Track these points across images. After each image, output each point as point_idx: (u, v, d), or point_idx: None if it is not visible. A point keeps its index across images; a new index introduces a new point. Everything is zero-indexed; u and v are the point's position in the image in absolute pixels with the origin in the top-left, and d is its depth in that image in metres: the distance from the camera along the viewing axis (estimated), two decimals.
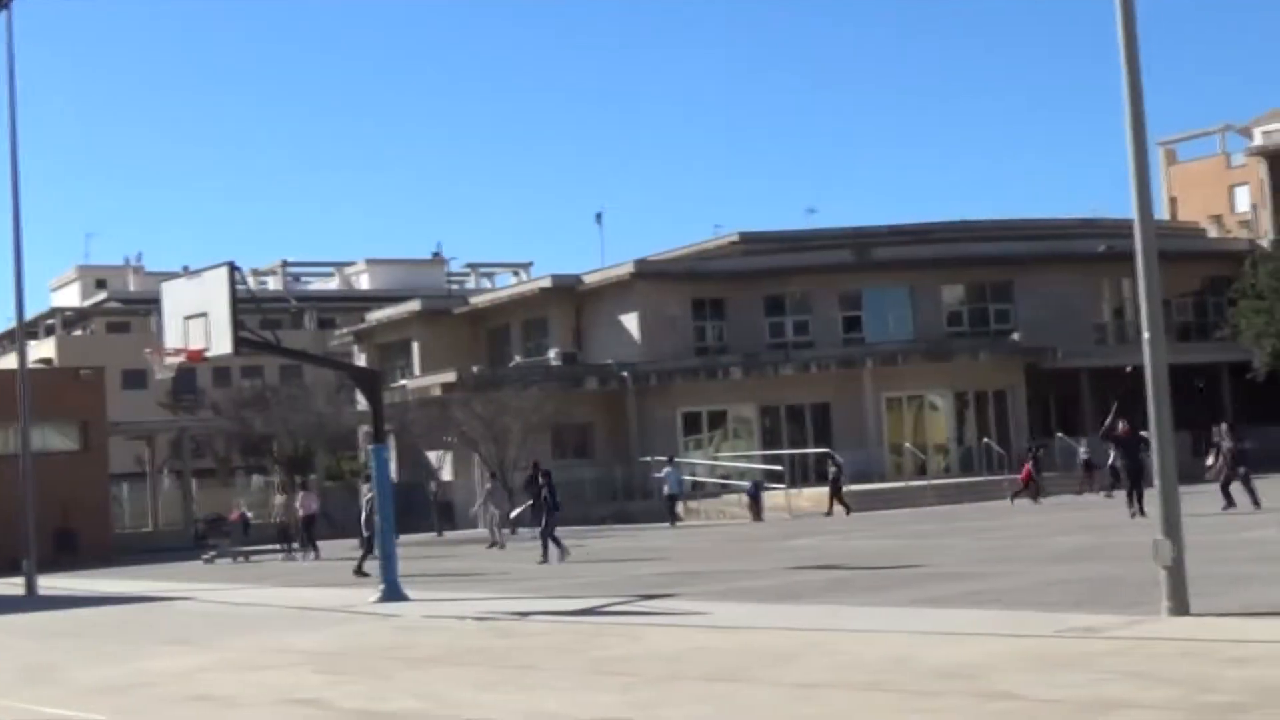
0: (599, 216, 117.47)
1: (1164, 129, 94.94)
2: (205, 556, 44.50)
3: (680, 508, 53.22)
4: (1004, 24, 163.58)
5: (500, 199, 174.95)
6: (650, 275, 64.14)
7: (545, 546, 32.06)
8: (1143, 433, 46.70)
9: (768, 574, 25.79)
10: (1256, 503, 34.84)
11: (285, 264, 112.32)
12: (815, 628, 17.39)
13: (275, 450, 61.89)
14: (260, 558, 45.34)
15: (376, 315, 75.78)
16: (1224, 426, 36.80)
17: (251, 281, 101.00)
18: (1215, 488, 36.31)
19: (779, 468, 54.18)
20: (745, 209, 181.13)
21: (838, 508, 48.54)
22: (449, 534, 54.64)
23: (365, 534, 31.54)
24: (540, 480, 33.86)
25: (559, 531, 33.32)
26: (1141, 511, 33.94)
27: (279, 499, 48.68)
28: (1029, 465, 49.21)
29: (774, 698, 12.60)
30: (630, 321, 63.40)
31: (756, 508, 50.69)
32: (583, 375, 62.00)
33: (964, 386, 61.45)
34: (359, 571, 31.25)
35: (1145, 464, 34.31)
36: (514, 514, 35.52)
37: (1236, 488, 35.24)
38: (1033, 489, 48.65)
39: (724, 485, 55.58)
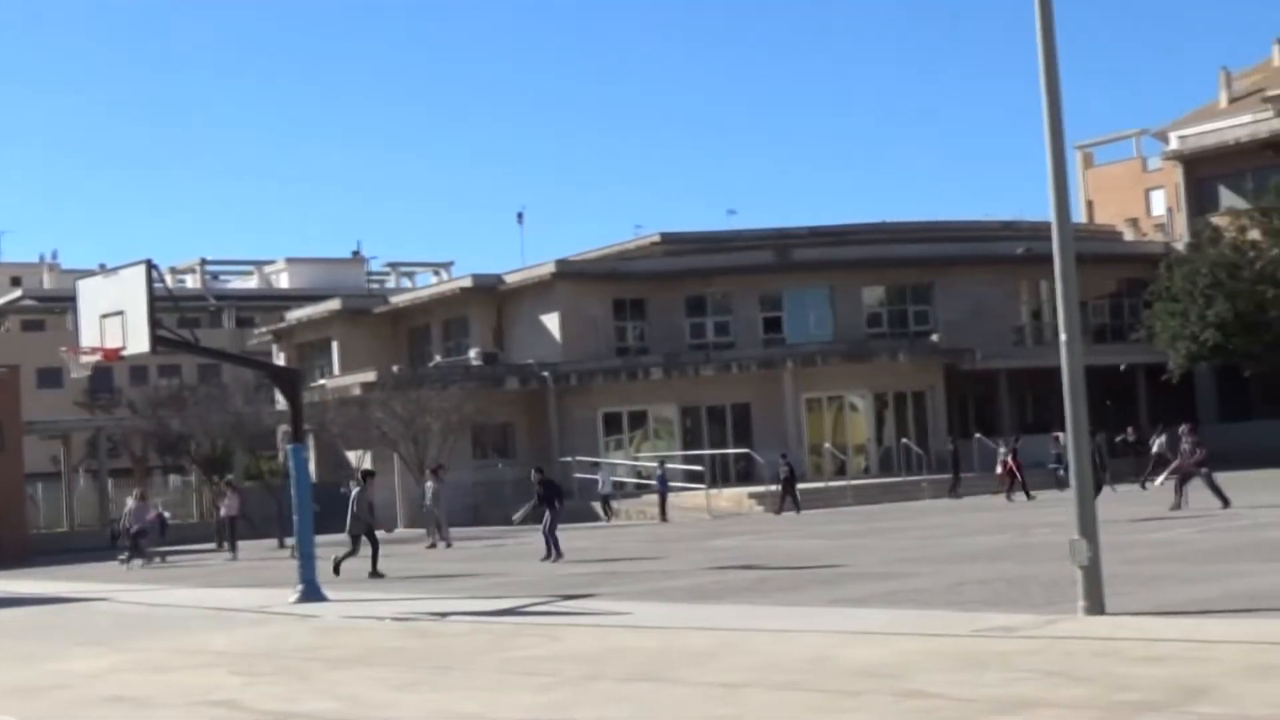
0: (520, 216, 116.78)
1: (1082, 132, 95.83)
2: (120, 558, 44.13)
3: (598, 507, 53.30)
4: (924, 27, 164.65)
5: (421, 198, 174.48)
6: (571, 275, 64.12)
7: (549, 545, 31.73)
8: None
9: (688, 574, 25.81)
10: (1179, 506, 35.15)
11: (204, 262, 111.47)
12: (734, 627, 17.42)
13: (193, 450, 61.41)
14: (178, 558, 44.99)
15: (296, 314, 75.39)
16: (1185, 426, 37.12)
17: (169, 280, 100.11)
18: (1135, 487, 36.69)
19: (699, 468, 54.27)
20: (666, 209, 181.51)
21: (788, 509, 48.66)
22: None
23: (351, 534, 30.87)
24: (541, 482, 33.69)
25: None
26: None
27: (227, 498, 48.40)
28: (1009, 462, 49.12)
29: (693, 697, 12.60)
30: (551, 321, 63.35)
31: (663, 505, 50.97)
32: (503, 375, 61.89)
33: (883, 387, 61.77)
34: (374, 573, 30.10)
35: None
36: (518, 515, 35.19)
37: (1158, 483, 35.36)
38: (1011, 485, 48.60)
39: (644, 485, 55.62)
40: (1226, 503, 33.44)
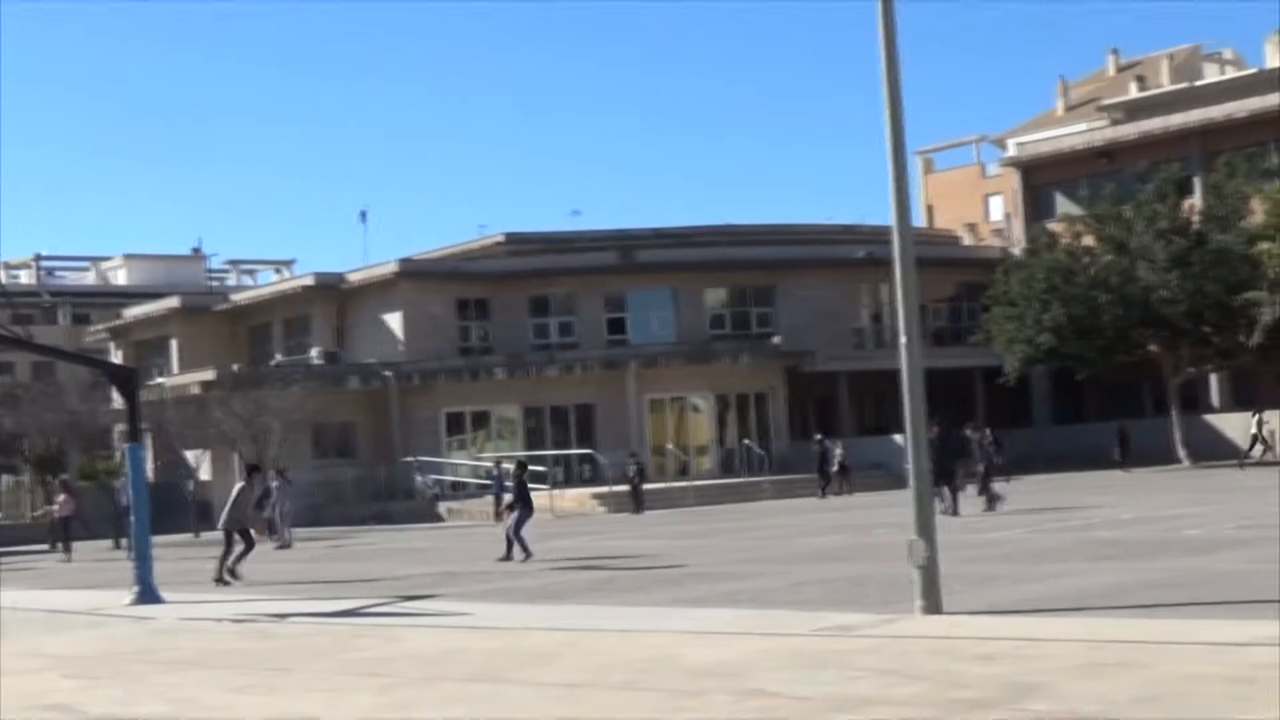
0: (363, 215, 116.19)
1: (922, 138, 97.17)
2: None
3: (442, 508, 53.13)
4: (767, 31, 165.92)
5: (263, 196, 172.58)
6: (414, 274, 63.85)
7: (516, 544, 29.73)
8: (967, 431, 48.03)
9: (529, 574, 25.79)
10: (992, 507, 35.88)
11: (39, 258, 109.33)
12: (576, 628, 17.44)
13: (26, 449, 60.28)
14: (10, 560, 44.12)
15: (134, 312, 74.28)
16: (986, 430, 38.01)
17: (2, 275, 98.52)
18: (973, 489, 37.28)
19: (542, 468, 54.25)
20: (511, 210, 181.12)
21: (632, 510, 48.87)
22: (207, 534, 53.75)
23: (224, 528, 28.87)
24: (521, 482, 31.65)
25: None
26: (954, 511, 34.40)
27: (60, 498, 47.38)
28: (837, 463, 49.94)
29: (534, 698, 12.61)
30: (394, 321, 63.02)
31: (499, 506, 50.92)
32: (345, 374, 61.44)
33: (726, 389, 62.16)
34: (228, 574, 28.29)
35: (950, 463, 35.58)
36: (501, 512, 34.09)
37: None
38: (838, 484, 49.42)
39: (486, 485, 55.48)
40: (957, 513, 33.77)
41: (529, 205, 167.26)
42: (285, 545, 41.53)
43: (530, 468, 51.35)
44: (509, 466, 54.18)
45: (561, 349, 63.35)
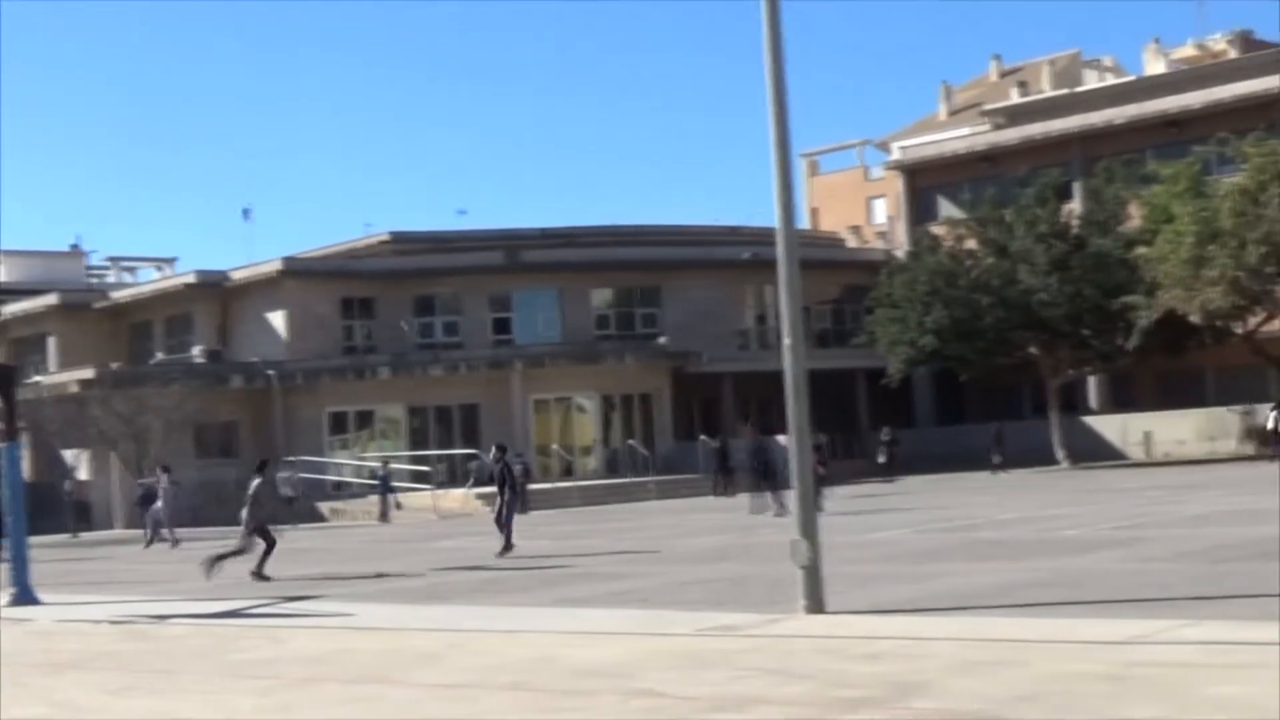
0: (246, 212, 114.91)
1: (807, 141, 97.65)
2: None
3: (326, 509, 52.79)
4: (652, 31, 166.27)
5: (144, 192, 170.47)
6: (299, 273, 63.40)
7: (506, 533, 28.88)
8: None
9: (414, 575, 25.70)
10: (781, 508, 36.89)
11: None
12: (462, 628, 17.39)
13: None
14: None
15: (10, 308, 73.13)
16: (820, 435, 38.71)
17: None
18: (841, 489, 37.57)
19: (426, 468, 54.07)
20: (396, 209, 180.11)
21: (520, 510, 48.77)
22: (85, 535, 53.15)
23: (247, 529, 27.61)
24: (504, 465, 30.81)
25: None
26: (783, 508, 35.13)
27: None
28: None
29: (419, 698, 12.56)
30: (278, 319, 62.54)
31: (384, 506, 50.73)
32: (227, 373, 60.88)
33: (611, 389, 62.21)
34: (259, 575, 27.16)
35: (775, 464, 36.47)
36: (495, 509, 31.62)
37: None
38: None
39: (370, 486, 55.21)
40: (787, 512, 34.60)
41: (415, 204, 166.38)
42: (176, 544, 41.13)
43: (413, 468, 51.31)
44: (396, 467, 54.25)
45: (446, 349, 63.13)
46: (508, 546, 28.59)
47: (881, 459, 59.52)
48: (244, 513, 27.64)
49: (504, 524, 28.93)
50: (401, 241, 67.76)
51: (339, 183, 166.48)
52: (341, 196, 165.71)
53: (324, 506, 54.66)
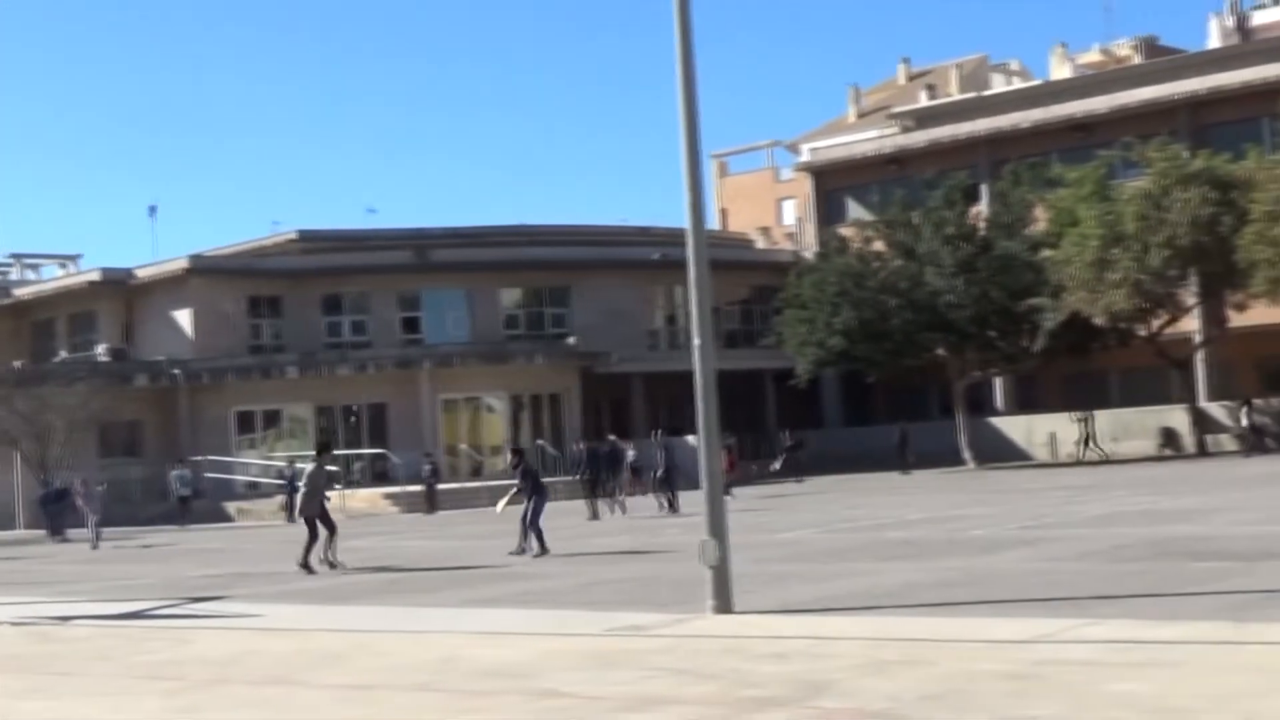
0: (152, 210, 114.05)
1: (717, 142, 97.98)
2: None
3: (233, 509, 52.39)
4: (563, 31, 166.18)
5: (48, 189, 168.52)
6: (205, 271, 62.92)
7: (538, 537, 27.17)
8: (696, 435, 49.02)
9: (321, 575, 25.54)
10: (673, 508, 38.89)
11: None
12: (368, 629, 17.32)
13: None
14: None
15: None
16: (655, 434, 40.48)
17: None
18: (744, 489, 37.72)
19: (334, 468, 53.74)
20: (305, 207, 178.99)
21: (425, 510, 48.73)
22: None
23: (304, 516, 26.86)
24: (522, 465, 29.22)
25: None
26: (673, 508, 37.92)
27: None
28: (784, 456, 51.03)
29: (324, 699, 12.50)
30: (184, 318, 62.04)
31: (290, 506, 50.41)
32: (132, 372, 60.30)
33: (520, 389, 62.11)
34: (333, 562, 26.35)
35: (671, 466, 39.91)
36: (500, 506, 29.95)
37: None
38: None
39: (277, 485, 54.83)
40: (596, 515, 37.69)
41: (323, 203, 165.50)
42: (95, 545, 40.75)
43: (302, 467, 50.76)
44: (303, 466, 53.79)
45: (355, 348, 62.84)
46: (542, 549, 26.64)
47: (775, 465, 59.35)
48: (299, 499, 27.03)
49: (533, 524, 27.23)
50: (309, 240, 67.38)
51: (247, 181, 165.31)
52: (249, 195, 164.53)
53: (230, 506, 54.24)
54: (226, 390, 59.32)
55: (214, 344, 61.13)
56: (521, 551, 26.77)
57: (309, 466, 27.05)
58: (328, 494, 27.82)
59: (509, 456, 30.63)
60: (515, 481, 28.58)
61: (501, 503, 30.33)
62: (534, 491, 27.71)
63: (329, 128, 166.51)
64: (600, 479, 41.40)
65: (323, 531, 26.45)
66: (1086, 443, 58.17)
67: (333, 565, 26.23)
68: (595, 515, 39.70)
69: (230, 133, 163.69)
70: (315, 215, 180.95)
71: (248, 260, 66.18)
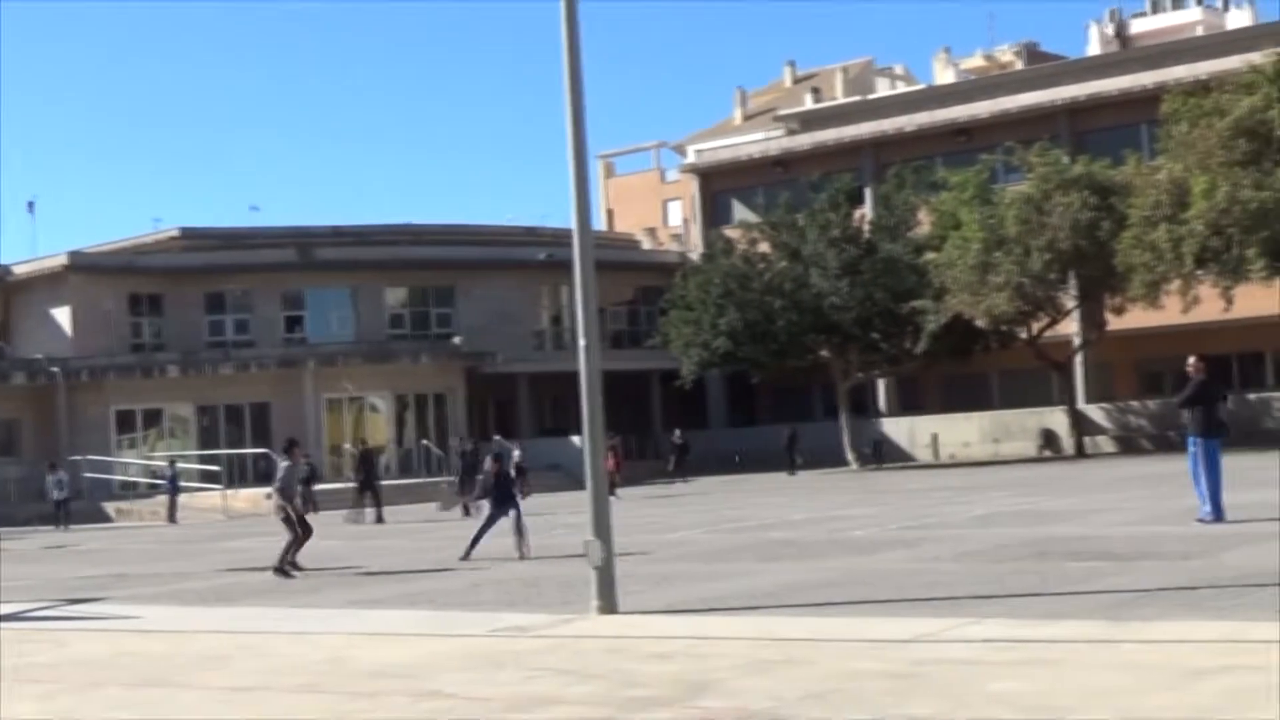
0: (30, 205, 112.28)
1: (603, 143, 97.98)
2: None
3: (112, 509, 51.79)
4: (448, 29, 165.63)
5: None
6: (85, 268, 62.17)
7: (474, 541, 25.33)
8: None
9: (203, 576, 25.29)
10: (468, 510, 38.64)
11: None
12: (250, 630, 17.17)
13: None
14: None
15: None
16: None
17: None
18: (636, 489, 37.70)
19: (216, 468, 53.28)
20: (187, 204, 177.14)
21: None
22: None
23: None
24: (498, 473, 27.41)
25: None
26: (379, 519, 40.74)
27: None
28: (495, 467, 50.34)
29: (204, 702, 12.37)
30: (62, 315, 61.25)
31: (172, 506, 49.94)
32: (9, 370, 59.47)
33: (404, 389, 61.89)
34: (290, 566, 24.41)
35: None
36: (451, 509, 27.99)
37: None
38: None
39: (155, 486, 54.30)
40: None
41: (206, 200, 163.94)
42: None
43: (202, 467, 50.40)
44: (184, 466, 53.32)
45: (237, 347, 62.32)
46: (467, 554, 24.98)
47: (670, 466, 59.68)
48: (273, 501, 25.19)
49: (481, 529, 25.80)
50: (191, 238, 66.78)
51: (128, 178, 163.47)
52: (131, 192, 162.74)
53: (109, 507, 53.62)
54: (106, 389, 58.62)
55: (94, 342, 60.41)
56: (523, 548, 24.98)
57: (284, 464, 25.42)
58: (302, 493, 26.49)
59: (489, 463, 27.75)
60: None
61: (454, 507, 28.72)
62: (494, 502, 26.15)
63: (212, 125, 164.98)
64: (466, 480, 42.10)
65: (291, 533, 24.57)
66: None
67: (290, 570, 24.12)
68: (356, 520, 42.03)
69: (112, 128, 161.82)
70: (197, 213, 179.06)
71: (128, 258, 65.45)
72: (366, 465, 44.21)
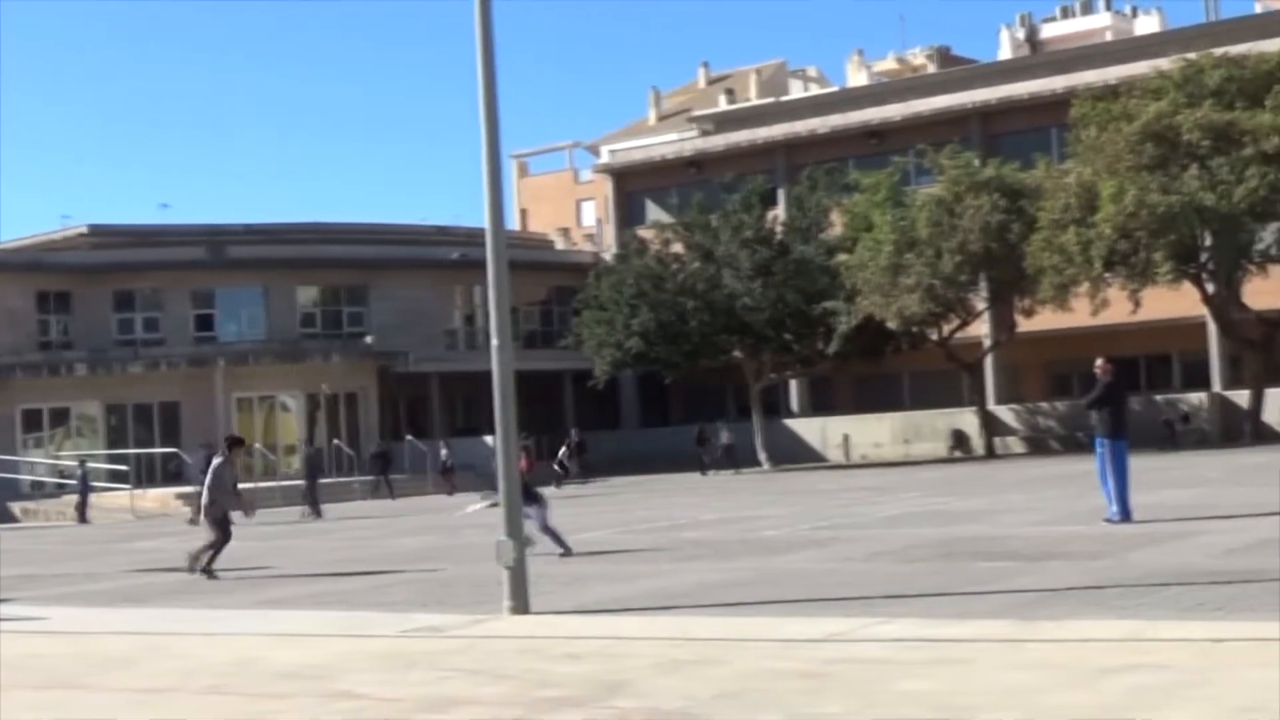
0: None
1: (518, 142, 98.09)
2: None
3: (18, 509, 51.22)
4: (360, 28, 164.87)
5: None
6: None
7: (552, 538, 23.58)
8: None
9: (110, 577, 25.05)
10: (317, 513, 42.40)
11: None
12: (159, 631, 17.02)
13: None
14: None
15: None
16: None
17: None
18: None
19: (124, 468, 52.80)
20: (95, 201, 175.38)
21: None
22: None
23: (212, 519, 23.72)
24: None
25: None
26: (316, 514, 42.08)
27: None
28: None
29: (112, 704, 12.25)
30: None
31: (81, 506, 49.46)
32: None
33: (316, 388, 61.54)
34: (207, 570, 23.29)
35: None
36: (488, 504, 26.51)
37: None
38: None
39: (63, 485, 53.75)
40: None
41: (115, 197, 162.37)
42: None
43: (110, 467, 49.89)
44: (94, 465, 52.76)
45: (147, 345, 61.77)
46: (564, 548, 23.60)
47: (555, 466, 57.03)
48: (204, 498, 24.24)
49: (547, 528, 23.92)
50: (100, 235, 66.13)
51: (35, 174, 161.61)
52: (38, 189, 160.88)
53: (15, 507, 53.01)
54: (13, 387, 57.96)
55: (0, 340, 59.69)
56: (567, 553, 23.34)
57: (216, 461, 24.46)
58: (235, 492, 25.12)
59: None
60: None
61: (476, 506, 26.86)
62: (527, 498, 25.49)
63: (121, 122, 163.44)
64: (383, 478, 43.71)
65: (215, 533, 23.57)
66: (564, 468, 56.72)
67: (203, 571, 23.26)
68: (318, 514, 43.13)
69: (18, 125, 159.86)
70: (106, 210, 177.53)
71: (36, 255, 64.75)
72: (314, 466, 45.73)
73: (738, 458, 57.58)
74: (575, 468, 57.68)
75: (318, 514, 42.93)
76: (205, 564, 23.25)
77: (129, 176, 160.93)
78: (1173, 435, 53.69)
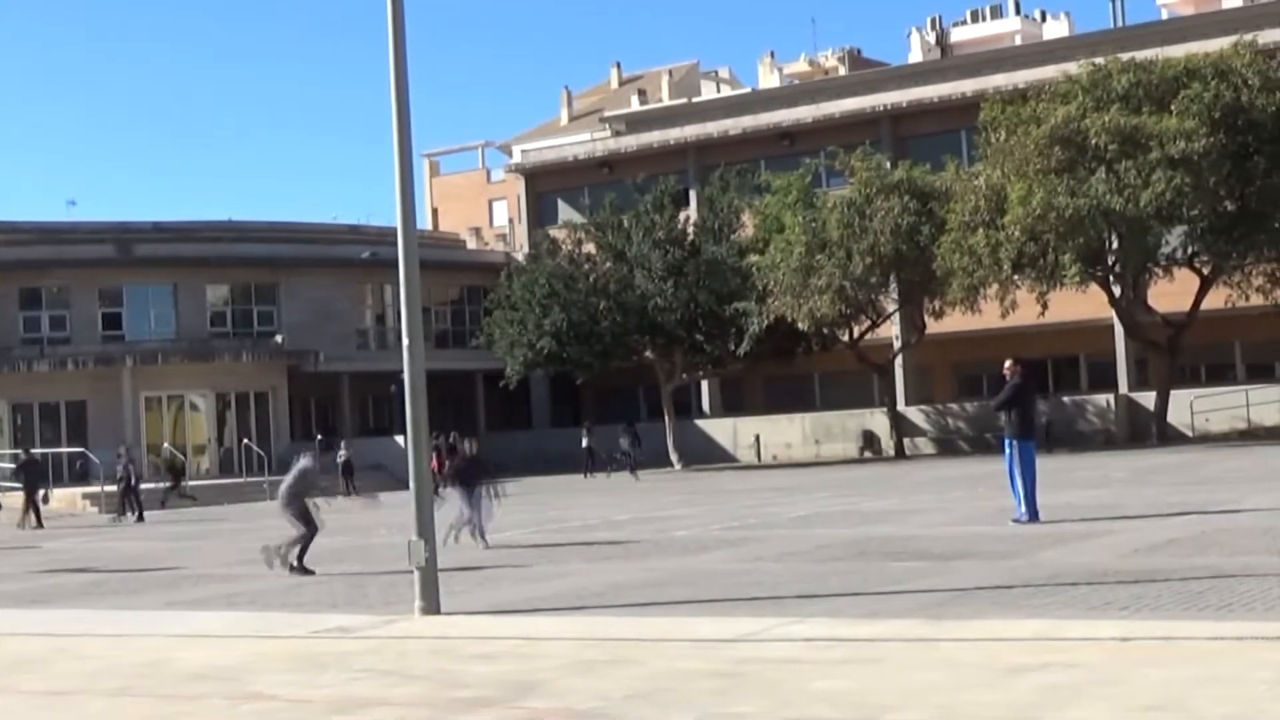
0: None
1: (429, 141, 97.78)
2: None
3: None
4: (271, 26, 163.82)
5: None
6: None
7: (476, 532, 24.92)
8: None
9: (16, 577, 24.79)
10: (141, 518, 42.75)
11: None
12: (66, 633, 16.85)
13: None
14: None
15: None
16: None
17: None
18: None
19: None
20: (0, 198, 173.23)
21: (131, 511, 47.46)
22: None
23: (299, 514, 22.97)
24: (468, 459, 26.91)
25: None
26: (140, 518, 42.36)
27: None
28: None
29: (19, 707, 12.13)
30: None
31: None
32: None
33: (226, 387, 61.14)
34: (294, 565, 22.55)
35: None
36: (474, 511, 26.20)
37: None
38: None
39: None
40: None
41: (20, 194, 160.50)
42: None
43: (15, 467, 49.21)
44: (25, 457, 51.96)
45: (52, 344, 61.10)
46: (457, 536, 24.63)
47: (617, 455, 55.90)
48: (286, 492, 23.30)
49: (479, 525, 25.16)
50: (5, 232, 65.37)
51: None
52: None
53: None
54: None
55: None
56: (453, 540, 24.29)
57: (305, 463, 23.62)
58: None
59: (463, 452, 27.38)
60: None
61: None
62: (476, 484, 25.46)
63: (26, 117, 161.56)
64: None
65: (297, 529, 22.89)
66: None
67: (295, 567, 22.51)
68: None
69: None
70: (12, 206, 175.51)
71: None
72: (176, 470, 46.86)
73: (636, 460, 55.25)
74: (635, 456, 55.26)
75: (141, 518, 43.60)
76: (296, 559, 22.54)
77: (35, 172, 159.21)
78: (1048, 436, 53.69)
